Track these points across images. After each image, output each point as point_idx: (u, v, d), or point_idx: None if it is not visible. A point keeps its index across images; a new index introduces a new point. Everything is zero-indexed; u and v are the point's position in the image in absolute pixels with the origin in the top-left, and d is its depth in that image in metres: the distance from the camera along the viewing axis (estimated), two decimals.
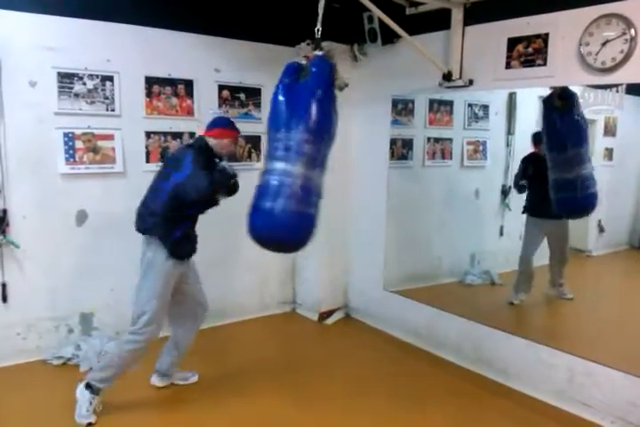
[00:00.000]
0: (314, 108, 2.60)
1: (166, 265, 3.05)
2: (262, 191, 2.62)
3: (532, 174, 4.22)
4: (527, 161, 4.32)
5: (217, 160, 3.13)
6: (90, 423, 2.98)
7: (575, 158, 3.83)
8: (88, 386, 3.02)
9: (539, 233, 4.36)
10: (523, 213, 4.38)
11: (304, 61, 2.70)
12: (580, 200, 3.94)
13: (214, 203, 3.07)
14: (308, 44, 2.77)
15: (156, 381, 3.44)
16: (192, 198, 2.94)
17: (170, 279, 3.09)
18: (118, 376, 3.07)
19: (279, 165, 2.59)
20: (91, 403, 3.00)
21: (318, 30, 2.75)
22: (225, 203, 3.11)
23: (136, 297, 3.11)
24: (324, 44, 2.76)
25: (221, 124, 3.18)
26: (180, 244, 3.06)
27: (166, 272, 3.06)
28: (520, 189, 4.40)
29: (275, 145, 2.64)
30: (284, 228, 2.61)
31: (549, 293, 4.39)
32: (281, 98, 2.66)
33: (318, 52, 2.70)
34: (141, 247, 3.15)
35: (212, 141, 3.12)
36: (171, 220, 3.01)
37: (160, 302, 3.06)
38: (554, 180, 3.92)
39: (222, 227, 4.06)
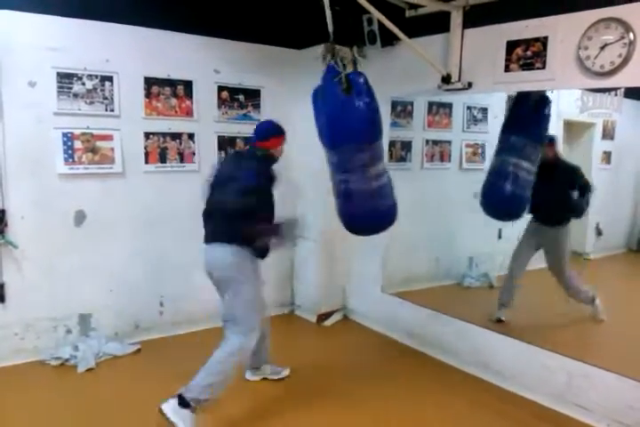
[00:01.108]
0: None
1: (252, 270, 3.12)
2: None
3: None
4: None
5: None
6: None
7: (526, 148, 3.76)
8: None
9: (534, 242, 4.24)
10: (529, 213, 4.19)
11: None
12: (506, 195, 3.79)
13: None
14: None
15: (248, 375, 3.60)
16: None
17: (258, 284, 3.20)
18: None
19: (380, 167, 3.13)
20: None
21: (331, 34, 2.84)
22: None
23: None
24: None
25: (274, 133, 3.16)
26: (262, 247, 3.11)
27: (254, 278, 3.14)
28: None
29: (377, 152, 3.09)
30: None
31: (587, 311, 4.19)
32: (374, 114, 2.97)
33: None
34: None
35: (274, 152, 3.15)
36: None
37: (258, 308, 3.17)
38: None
39: None
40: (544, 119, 3.77)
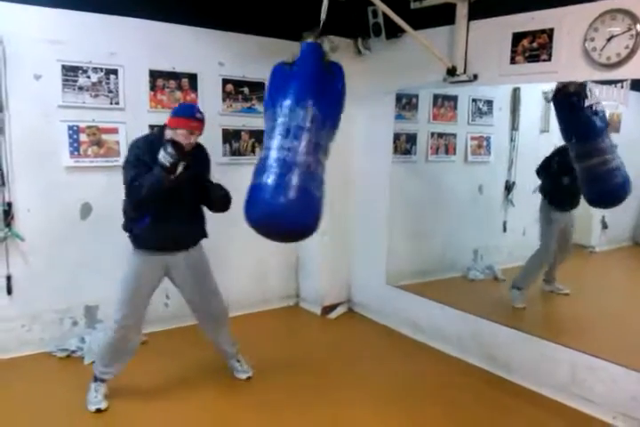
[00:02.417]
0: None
1: (134, 258, 3.03)
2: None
3: (557, 166, 4.19)
4: (557, 153, 4.27)
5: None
6: (98, 409, 3.05)
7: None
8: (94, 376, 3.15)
9: (559, 225, 4.33)
10: (549, 203, 4.32)
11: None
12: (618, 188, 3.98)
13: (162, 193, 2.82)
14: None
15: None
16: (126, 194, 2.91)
17: (139, 273, 3.03)
18: (110, 368, 3.13)
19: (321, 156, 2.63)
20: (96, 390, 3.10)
21: (321, 21, 2.77)
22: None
23: None
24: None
25: (175, 113, 2.95)
26: (140, 237, 2.98)
27: (135, 266, 3.03)
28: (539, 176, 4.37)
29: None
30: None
31: (545, 289, 4.42)
32: None
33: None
34: None
35: (167, 131, 2.90)
36: (127, 212, 2.99)
37: (129, 299, 3.02)
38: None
39: (225, 220, 4.03)
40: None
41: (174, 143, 2.75)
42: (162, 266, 3.07)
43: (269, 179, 2.48)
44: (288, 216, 2.51)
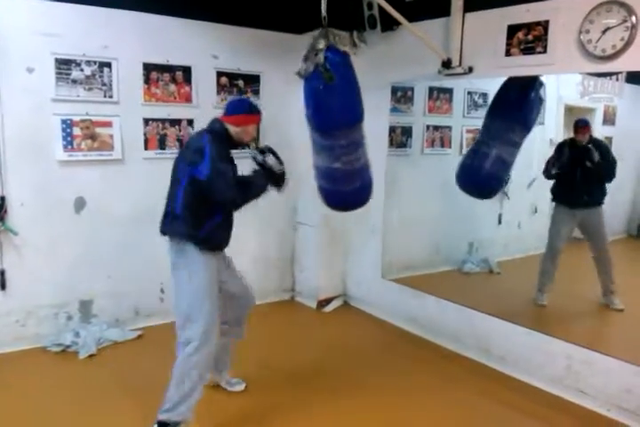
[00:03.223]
0: None
1: (203, 261, 2.74)
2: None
3: (566, 161, 4.10)
4: (563, 147, 4.19)
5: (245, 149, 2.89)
6: None
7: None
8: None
9: (568, 223, 4.24)
10: (553, 200, 4.29)
11: None
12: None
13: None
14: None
15: None
16: (217, 201, 2.67)
17: (211, 277, 2.80)
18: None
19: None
20: None
21: (325, 18, 2.79)
22: None
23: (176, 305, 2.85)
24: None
25: (244, 110, 2.84)
26: (211, 238, 2.75)
27: (204, 271, 2.76)
28: (549, 177, 4.24)
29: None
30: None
31: (600, 301, 4.20)
32: None
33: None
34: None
35: (232, 129, 2.78)
36: (195, 218, 2.69)
37: (209, 310, 2.77)
38: None
39: None
40: (531, 104, 3.79)
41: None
42: (216, 265, 2.87)
43: (345, 186, 3.26)
44: (360, 204, 3.44)
